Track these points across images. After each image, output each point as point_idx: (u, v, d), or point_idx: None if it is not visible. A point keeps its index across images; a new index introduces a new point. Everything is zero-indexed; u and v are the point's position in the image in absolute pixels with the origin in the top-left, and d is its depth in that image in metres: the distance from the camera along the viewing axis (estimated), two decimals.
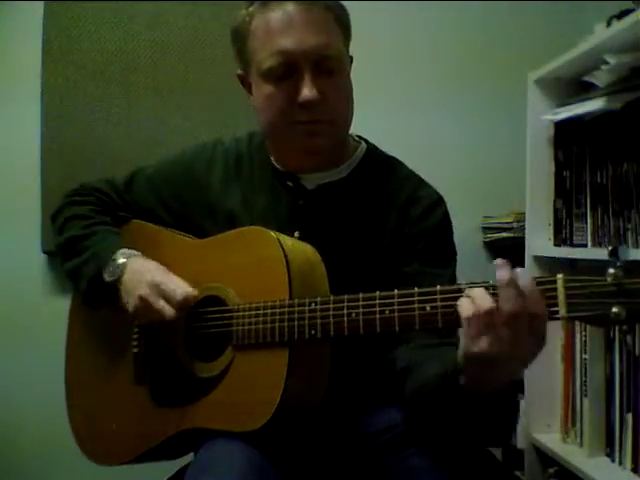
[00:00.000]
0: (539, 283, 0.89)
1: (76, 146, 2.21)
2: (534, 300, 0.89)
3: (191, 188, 1.38)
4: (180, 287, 1.20)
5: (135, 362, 1.30)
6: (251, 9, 1.23)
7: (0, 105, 2.21)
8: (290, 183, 1.33)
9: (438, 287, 0.98)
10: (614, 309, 0.82)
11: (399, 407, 1.21)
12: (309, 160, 1.29)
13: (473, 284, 0.95)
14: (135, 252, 1.30)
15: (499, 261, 0.91)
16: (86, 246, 1.33)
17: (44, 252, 2.20)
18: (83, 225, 1.37)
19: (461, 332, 0.95)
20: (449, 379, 1.00)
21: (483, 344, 0.91)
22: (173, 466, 1.35)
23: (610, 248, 0.85)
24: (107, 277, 1.27)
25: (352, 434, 1.24)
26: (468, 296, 0.93)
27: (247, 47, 1.24)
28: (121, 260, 1.27)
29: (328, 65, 1.21)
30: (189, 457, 1.29)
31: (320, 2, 1.21)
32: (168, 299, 1.20)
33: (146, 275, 1.23)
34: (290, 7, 1.19)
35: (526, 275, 0.90)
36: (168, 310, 1.20)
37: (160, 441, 1.24)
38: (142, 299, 1.22)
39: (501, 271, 0.90)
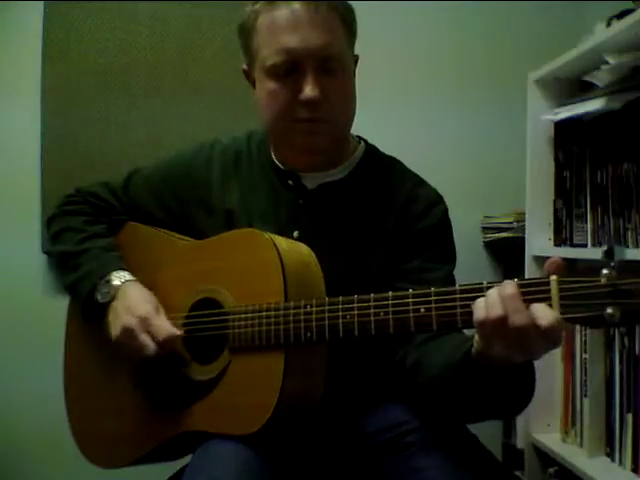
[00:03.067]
0: (533, 284, 0.89)
1: (76, 146, 2.21)
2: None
3: (189, 187, 1.38)
4: (166, 326, 1.20)
5: (132, 365, 1.30)
6: (257, 6, 1.23)
7: (0, 105, 2.21)
8: (291, 182, 1.33)
9: (432, 289, 0.97)
10: (608, 310, 0.82)
11: (398, 407, 1.22)
12: (308, 159, 1.30)
13: (467, 285, 0.95)
14: (130, 277, 1.29)
15: (508, 282, 0.90)
16: (80, 263, 1.33)
17: (44, 252, 2.20)
18: (77, 240, 1.37)
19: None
20: (462, 362, 1.00)
21: (497, 348, 0.91)
22: (173, 467, 1.35)
23: (605, 248, 0.84)
24: (99, 298, 1.28)
25: (351, 434, 1.24)
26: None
27: (252, 43, 1.25)
28: (115, 283, 1.27)
29: (331, 65, 1.22)
30: (189, 458, 1.29)
31: (326, 2, 1.21)
32: (152, 335, 1.20)
33: (135, 306, 1.22)
34: (296, 6, 1.19)
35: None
36: (151, 346, 1.19)
37: (158, 444, 1.24)
38: (126, 330, 1.21)
39: (507, 286, 0.89)
